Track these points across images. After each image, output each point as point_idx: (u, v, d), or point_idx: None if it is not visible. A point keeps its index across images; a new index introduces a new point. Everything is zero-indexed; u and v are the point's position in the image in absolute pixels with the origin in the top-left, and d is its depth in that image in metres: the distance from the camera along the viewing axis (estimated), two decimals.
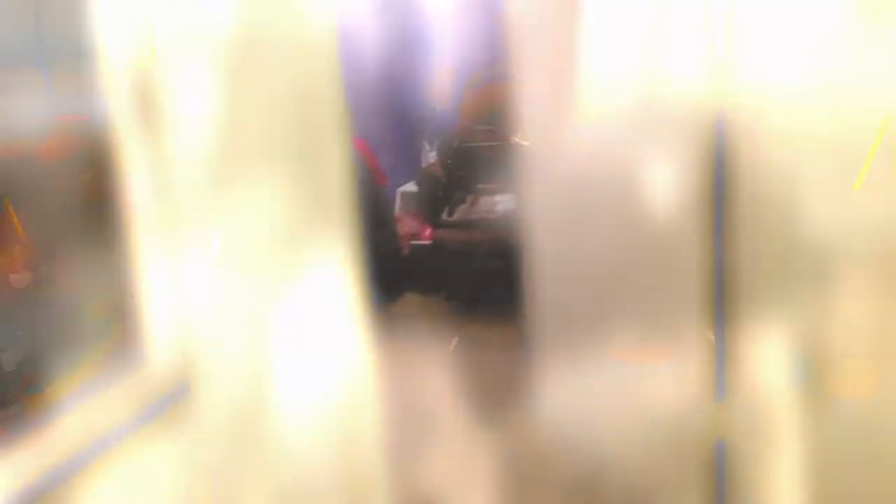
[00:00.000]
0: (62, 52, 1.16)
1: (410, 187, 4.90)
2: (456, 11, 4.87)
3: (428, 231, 4.69)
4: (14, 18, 1.11)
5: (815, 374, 1.73)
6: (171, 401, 1.26)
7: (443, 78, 4.98)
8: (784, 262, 1.73)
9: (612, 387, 2.00)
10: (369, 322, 1.96)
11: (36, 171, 1.11)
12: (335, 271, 1.79)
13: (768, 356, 1.78)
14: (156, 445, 1.23)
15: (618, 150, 1.92)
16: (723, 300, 1.81)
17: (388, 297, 4.24)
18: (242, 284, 1.49)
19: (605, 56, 1.92)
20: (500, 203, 3.80)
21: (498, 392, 2.95)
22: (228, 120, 1.41)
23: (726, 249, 1.77)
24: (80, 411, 1.09)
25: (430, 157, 4.84)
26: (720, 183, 1.76)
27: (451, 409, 2.88)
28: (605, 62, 1.92)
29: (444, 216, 3.73)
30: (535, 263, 2.24)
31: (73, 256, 1.15)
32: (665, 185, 1.86)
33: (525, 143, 2.21)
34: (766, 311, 1.75)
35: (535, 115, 2.14)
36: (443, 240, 3.74)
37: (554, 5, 2.04)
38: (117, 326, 1.21)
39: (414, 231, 4.77)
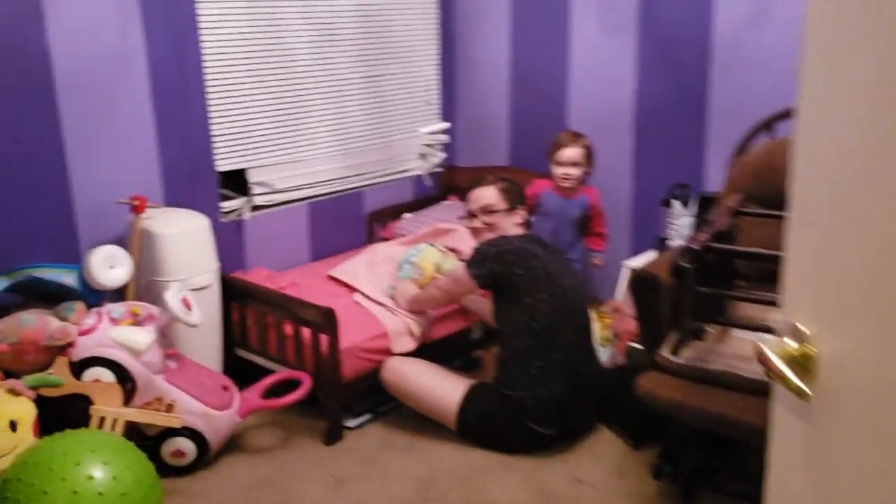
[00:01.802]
0: None
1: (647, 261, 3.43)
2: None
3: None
4: None
5: None
6: None
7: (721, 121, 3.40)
8: None
9: None
10: None
11: None
12: None
13: None
14: None
15: None
16: None
17: (573, 423, 2.85)
18: None
19: None
20: None
21: None
22: None
23: None
24: None
25: (678, 232, 3.28)
26: None
27: None
28: None
29: (665, 352, 2.24)
30: None
31: None
32: None
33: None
34: None
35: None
36: (653, 394, 2.26)
37: None
38: None
39: (633, 331, 3.28)
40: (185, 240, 2.90)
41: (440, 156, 4.23)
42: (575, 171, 3.38)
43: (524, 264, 2.79)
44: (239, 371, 3.09)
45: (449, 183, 4.29)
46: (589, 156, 3.43)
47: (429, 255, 3.30)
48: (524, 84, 4.03)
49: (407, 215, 4.04)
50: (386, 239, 4.00)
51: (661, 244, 3.37)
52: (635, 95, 3.66)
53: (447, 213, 3.98)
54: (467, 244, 3.50)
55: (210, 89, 3.22)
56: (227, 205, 3.39)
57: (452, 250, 3.59)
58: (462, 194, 4.26)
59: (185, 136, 3.17)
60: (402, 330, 3.06)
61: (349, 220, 3.90)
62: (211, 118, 3.24)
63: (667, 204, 3.39)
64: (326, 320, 2.79)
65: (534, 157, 3.83)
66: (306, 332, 2.89)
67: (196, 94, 3.17)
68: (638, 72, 3.62)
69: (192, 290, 2.89)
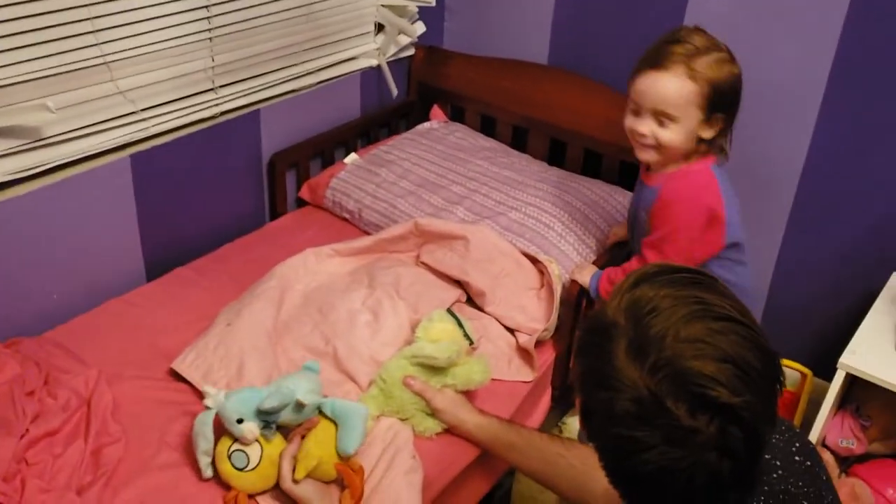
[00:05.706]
0: None
1: None
2: None
3: None
4: None
5: None
6: None
7: None
8: None
9: None
10: None
11: None
12: None
13: None
14: None
15: None
16: None
17: None
18: None
19: None
20: None
21: None
22: None
23: None
24: None
25: None
26: None
27: None
28: None
29: None
30: None
31: None
32: None
33: None
34: None
35: None
36: None
37: None
38: None
39: None
40: None
41: (415, 30, 2.14)
42: (658, 131, 1.42)
43: None
44: None
45: (431, 83, 2.23)
46: (706, 96, 1.41)
47: (440, 333, 1.38)
48: None
49: (352, 158, 2.03)
50: (307, 203, 2.01)
51: None
52: None
53: (436, 155, 1.99)
54: (502, 273, 1.62)
55: None
56: None
57: (472, 294, 1.65)
58: (455, 103, 2.24)
59: None
60: None
61: (228, 176, 1.86)
62: None
63: None
64: None
65: (614, 56, 1.84)
66: None
67: None
68: None
69: None
